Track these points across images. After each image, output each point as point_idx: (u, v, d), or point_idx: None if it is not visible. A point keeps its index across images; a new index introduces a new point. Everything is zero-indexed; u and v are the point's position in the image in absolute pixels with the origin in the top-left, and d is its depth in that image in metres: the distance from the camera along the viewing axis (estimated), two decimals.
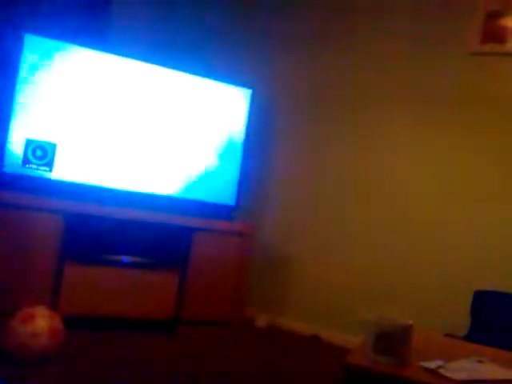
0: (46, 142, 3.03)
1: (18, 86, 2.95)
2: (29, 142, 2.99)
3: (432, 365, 1.51)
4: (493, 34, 3.24)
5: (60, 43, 3.03)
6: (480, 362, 1.67)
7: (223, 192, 3.53)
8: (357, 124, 3.72)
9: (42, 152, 3.02)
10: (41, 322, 2.31)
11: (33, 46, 2.96)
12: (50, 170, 3.05)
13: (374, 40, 3.68)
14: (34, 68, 2.98)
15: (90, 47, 3.12)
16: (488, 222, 3.26)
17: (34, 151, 3.01)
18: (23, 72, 2.95)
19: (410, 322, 1.52)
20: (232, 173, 3.55)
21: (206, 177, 3.47)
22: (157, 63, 3.31)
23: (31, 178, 3.01)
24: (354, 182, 3.70)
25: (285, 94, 3.94)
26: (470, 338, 2.50)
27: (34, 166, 3.01)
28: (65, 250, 2.95)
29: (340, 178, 3.74)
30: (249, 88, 3.60)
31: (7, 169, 2.96)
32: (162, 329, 3.21)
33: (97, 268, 3.03)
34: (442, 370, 1.48)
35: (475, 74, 3.34)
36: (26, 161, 2.99)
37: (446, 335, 2.46)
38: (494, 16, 3.23)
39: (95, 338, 2.85)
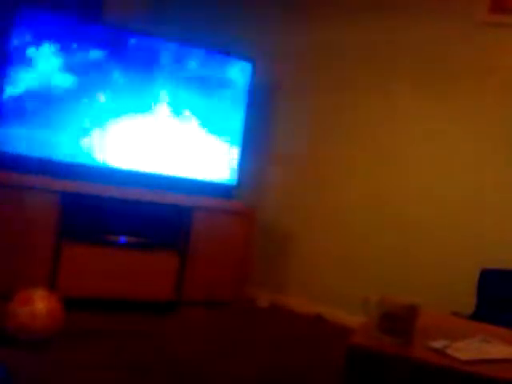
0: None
1: (10, 64, 2.89)
2: None
3: (438, 344, 1.49)
4: (501, 5, 3.16)
5: (55, 16, 2.96)
6: (487, 341, 1.64)
7: (224, 171, 3.47)
8: (360, 98, 3.64)
9: None
10: (39, 304, 2.29)
11: (26, 19, 2.89)
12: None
13: (379, 13, 3.58)
14: (28, 42, 2.91)
15: (84, 20, 3.05)
16: (495, 199, 3.21)
17: None
18: (16, 47, 2.88)
19: (416, 301, 1.48)
20: (232, 150, 3.49)
21: (206, 155, 3.41)
22: (152, 34, 3.22)
23: (28, 158, 2.95)
24: (354, 158, 3.63)
25: (286, 68, 3.85)
26: (476, 316, 2.46)
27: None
28: (63, 231, 2.91)
29: (341, 155, 3.68)
30: (249, 61, 3.50)
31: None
32: (163, 310, 3.17)
33: (96, 248, 3.00)
34: (448, 350, 1.46)
35: (483, 44, 3.26)
36: None
37: (452, 314, 2.43)
38: None
39: (95, 319, 2.83)
